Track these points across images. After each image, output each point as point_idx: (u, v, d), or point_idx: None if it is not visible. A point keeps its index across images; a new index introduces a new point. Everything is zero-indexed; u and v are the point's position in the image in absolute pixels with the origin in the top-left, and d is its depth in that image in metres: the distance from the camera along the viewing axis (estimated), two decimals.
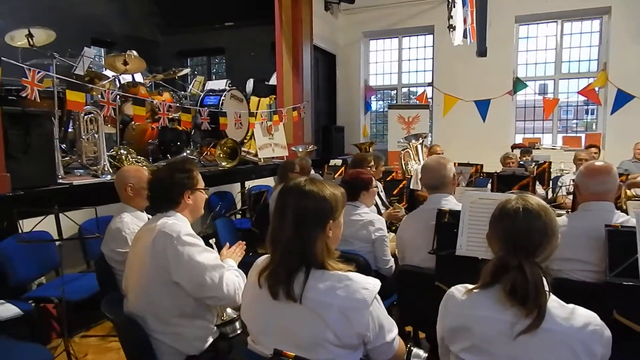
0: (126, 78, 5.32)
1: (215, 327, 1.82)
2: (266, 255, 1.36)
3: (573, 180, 4.30)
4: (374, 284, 1.28)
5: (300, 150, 6.03)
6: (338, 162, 5.96)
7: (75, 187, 3.37)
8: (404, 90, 9.29)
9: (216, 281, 1.67)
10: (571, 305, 1.20)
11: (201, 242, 1.73)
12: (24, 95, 3.03)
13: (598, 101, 7.49)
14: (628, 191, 4.29)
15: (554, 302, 1.19)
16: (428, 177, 2.46)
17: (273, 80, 7.22)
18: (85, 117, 3.87)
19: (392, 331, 1.32)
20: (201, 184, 1.90)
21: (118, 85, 4.99)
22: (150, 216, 2.23)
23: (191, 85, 6.14)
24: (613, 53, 7.20)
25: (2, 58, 2.84)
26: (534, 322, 1.14)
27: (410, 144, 6.31)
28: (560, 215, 2.70)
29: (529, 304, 1.15)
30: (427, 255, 2.17)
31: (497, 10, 7.57)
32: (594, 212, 2.03)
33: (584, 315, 1.18)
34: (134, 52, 5.02)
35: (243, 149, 5.61)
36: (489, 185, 4.28)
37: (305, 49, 7.04)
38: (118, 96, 4.26)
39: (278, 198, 1.34)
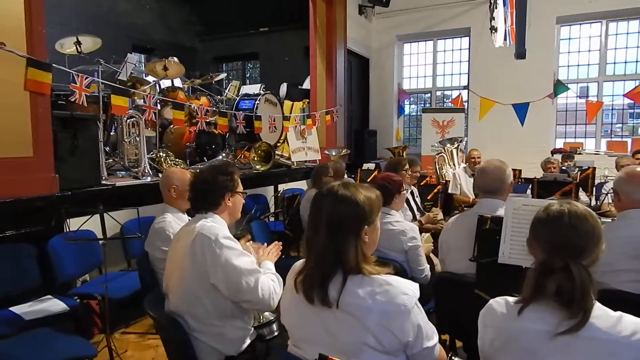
0: (166, 83, 5.49)
1: (253, 329, 1.83)
2: (302, 260, 1.36)
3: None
4: (414, 288, 1.26)
5: (334, 154, 6.04)
6: (371, 166, 5.92)
7: (117, 188, 3.50)
8: (439, 93, 9.15)
9: (252, 285, 1.69)
10: (618, 313, 1.15)
11: (238, 245, 1.75)
12: (72, 99, 3.17)
13: None
14: None
15: (598, 310, 1.13)
16: (485, 180, 2.34)
17: (306, 84, 7.27)
18: (128, 120, 4.02)
19: (433, 338, 1.29)
20: (241, 187, 1.93)
21: (158, 90, 5.15)
22: (190, 218, 2.28)
23: (227, 89, 6.26)
24: None
25: (53, 65, 2.98)
26: (577, 325, 1.10)
27: (445, 148, 6.20)
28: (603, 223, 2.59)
29: (575, 306, 1.11)
30: (469, 261, 2.12)
31: (538, 11, 7.34)
32: (635, 220, 1.93)
33: (632, 323, 1.12)
34: (174, 58, 5.18)
35: (276, 152, 5.66)
36: (529, 191, 4.15)
37: (339, 52, 7.05)
38: (158, 100, 4.40)
39: (312, 203, 1.34)
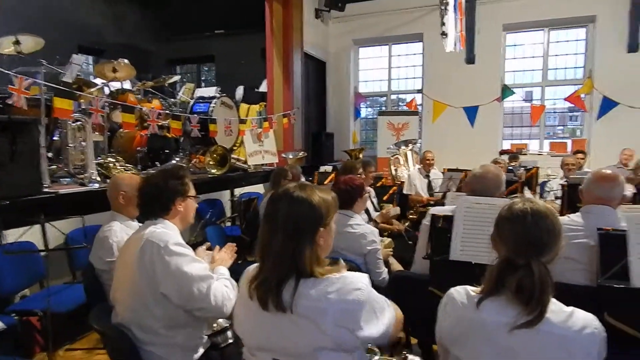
0: (115, 86, 5.27)
1: (207, 337, 1.78)
2: (256, 265, 1.33)
3: (561, 185, 4.35)
4: (366, 282, 1.26)
5: (291, 157, 6.02)
6: (328, 168, 5.95)
7: (61, 196, 3.30)
8: (394, 97, 9.36)
9: (204, 292, 1.64)
10: (570, 308, 1.21)
11: (190, 251, 1.70)
12: (10, 102, 2.97)
13: (584, 108, 7.61)
14: None
15: (553, 305, 1.19)
16: (486, 185, 2.38)
17: (263, 87, 7.22)
18: (73, 124, 3.81)
19: (385, 315, 1.28)
20: (193, 191, 1.88)
21: (107, 92, 4.94)
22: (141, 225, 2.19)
23: (181, 92, 6.10)
24: (598, 61, 7.34)
25: None
26: (534, 319, 1.15)
27: (400, 150, 6.35)
28: None
29: (533, 302, 1.16)
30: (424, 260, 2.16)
31: (486, 18, 7.69)
32: (595, 216, 2.05)
33: (582, 319, 1.18)
34: (125, 60, 4.99)
35: (233, 156, 5.57)
36: None
37: (295, 56, 7.06)
38: (107, 104, 4.21)
39: (267, 205, 1.32)
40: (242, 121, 5.82)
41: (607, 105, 7.22)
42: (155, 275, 1.62)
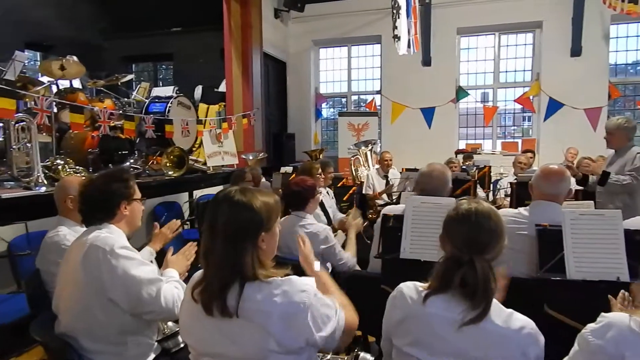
0: (64, 84, 5.04)
1: (156, 343, 1.75)
2: (202, 270, 1.32)
3: (511, 183, 4.56)
4: (311, 283, 1.28)
5: (251, 158, 5.97)
6: (289, 169, 5.95)
7: (3, 200, 3.13)
8: (355, 97, 9.47)
9: (153, 295, 1.61)
10: (509, 310, 1.29)
11: (137, 255, 1.67)
12: None
13: (532, 109, 8.00)
14: None
15: (495, 306, 1.27)
16: (432, 183, 2.43)
17: (222, 87, 7.11)
18: (17, 125, 3.61)
19: (331, 318, 1.27)
20: (138, 194, 1.84)
21: (54, 91, 4.72)
22: None
23: (135, 91, 5.92)
24: (544, 64, 7.74)
25: None
26: (479, 315, 1.21)
27: (360, 150, 6.44)
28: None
29: (478, 297, 1.23)
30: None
31: (440, 22, 7.93)
32: (543, 212, 2.16)
33: (520, 320, 1.26)
34: (74, 57, 4.78)
35: (191, 157, 5.46)
36: None
37: (255, 55, 7.00)
38: (54, 103, 4.03)
39: (208, 210, 1.31)
40: (200, 122, 5.72)
41: (553, 106, 7.62)
42: (102, 281, 1.58)
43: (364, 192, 5.40)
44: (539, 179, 2.26)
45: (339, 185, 5.37)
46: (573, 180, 5.26)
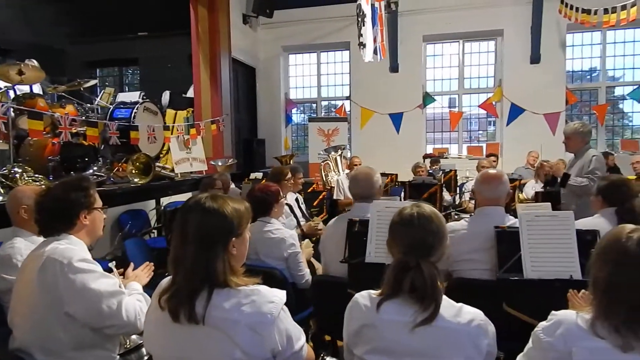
0: (23, 89, 4.86)
1: (118, 357, 1.71)
2: (169, 277, 1.31)
3: (472, 188, 4.69)
4: (281, 295, 1.29)
5: (220, 164, 5.92)
6: (259, 175, 5.92)
7: None
8: (325, 103, 9.54)
9: (114, 308, 1.58)
10: (459, 304, 1.33)
11: (97, 267, 1.62)
12: None
13: (496, 114, 8.28)
14: (520, 195, 4.76)
15: (444, 302, 1.31)
16: (359, 186, 2.50)
17: (190, 93, 7.02)
18: None
19: (300, 339, 1.33)
20: (99, 202, 1.79)
21: (12, 97, 4.54)
22: None
23: (99, 97, 5.76)
24: (506, 71, 8.03)
25: None
26: (431, 315, 1.26)
27: (330, 155, 6.49)
28: (462, 218, 2.94)
29: (427, 299, 1.27)
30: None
31: (407, 29, 8.11)
32: (488, 217, 2.24)
33: (469, 312, 1.31)
34: (33, 61, 4.62)
35: (158, 164, 5.36)
36: (402, 194, 4.53)
37: (223, 61, 6.96)
38: (11, 109, 3.88)
39: (178, 216, 1.31)
40: (167, 128, 5.62)
41: (515, 111, 7.92)
42: (59, 295, 1.53)
43: (334, 197, 5.44)
44: (480, 185, 2.35)
45: (309, 190, 5.40)
46: (533, 182, 5.50)
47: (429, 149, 8.53)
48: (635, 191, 2.48)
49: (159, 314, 1.27)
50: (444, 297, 1.32)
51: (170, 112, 6.52)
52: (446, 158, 7.76)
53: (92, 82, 5.74)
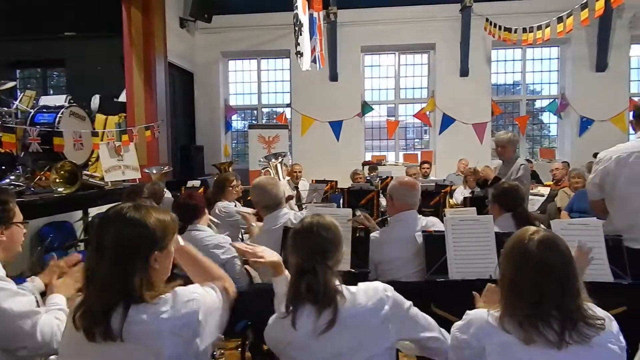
0: None
1: None
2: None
3: None
4: (199, 290, 1.28)
5: (155, 172, 5.68)
6: (196, 183, 5.77)
7: None
8: (266, 110, 9.50)
9: (28, 329, 1.46)
10: (355, 287, 1.41)
11: (11, 285, 1.50)
12: None
13: (429, 123, 8.71)
14: (451, 200, 5.03)
15: (344, 292, 1.38)
16: (267, 197, 2.52)
17: (123, 97, 6.70)
18: None
19: (217, 305, 1.31)
20: (19, 216, 1.66)
21: None
22: None
23: (18, 100, 5.33)
24: (438, 83, 8.48)
25: None
26: (333, 318, 1.31)
27: (271, 163, 6.45)
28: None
29: (324, 300, 1.32)
30: None
31: (346, 40, 8.32)
32: (407, 221, 2.35)
33: (364, 290, 1.39)
34: None
35: (86, 172, 5.06)
36: (341, 200, 4.61)
37: (159, 65, 6.72)
38: None
39: (95, 227, 1.25)
40: (96, 134, 5.32)
41: (447, 121, 8.37)
42: None
43: None
44: (404, 190, 2.46)
45: (248, 198, 5.31)
46: (462, 188, 5.83)
47: (368, 157, 8.78)
48: (523, 195, 2.74)
49: (74, 333, 1.19)
50: (343, 286, 1.39)
51: (100, 117, 6.18)
52: (384, 165, 8.02)
53: (10, 84, 5.31)
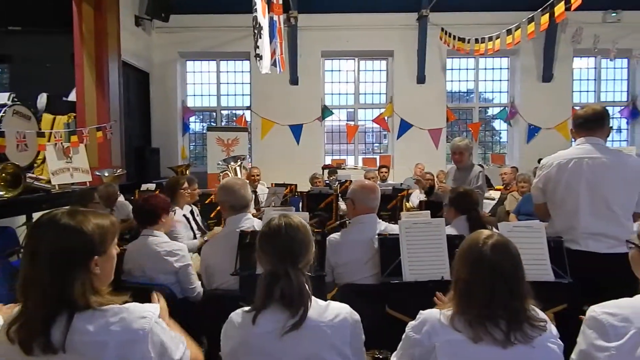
0: None
1: None
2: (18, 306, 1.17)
3: None
4: (153, 310, 1.23)
5: (107, 174, 5.46)
6: (151, 186, 5.60)
7: None
8: (225, 112, 9.36)
9: None
10: (326, 302, 1.41)
11: None
12: None
13: (387, 128, 8.89)
14: (407, 204, 5.16)
15: (313, 303, 1.38)
16: (234, 198, 2.49)
17: (72, 97, 6.39)
18: None
19: (179, 348, 1.24)
20: None
21: None
22: None
23: None
24: (396, 89, 8.69)
25: None
26: (299, 320, 1.31)
27: (229, 166, 6.36)
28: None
29: (295, 304, 1.32)
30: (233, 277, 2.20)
31: (306, 44, 8.36)
32: (367, 224, 2.39)
33: (335, 308, 1.39)
34: None
35: (30, 174, 4.78)
36: (300, 204, 4.61)
37: (112, 64, 6.48)
38: None
39: (29, 235, 1.19)
40: (42, 134, 5.05)
41: (404, 127, 8.59)
42: None
43: None
44: (365, 194, 2.50)
45: (206, 202, 5.21)
46: (418, 192, 5.98)
47: (328, 160, 8.84)
48: (477, 200, 2.87)
49: (8, 348, 1.12)
50: (313, 298, 1.38)
51: (47, 117, 5.86)
52: (343, 169, 8.10)
53: None
